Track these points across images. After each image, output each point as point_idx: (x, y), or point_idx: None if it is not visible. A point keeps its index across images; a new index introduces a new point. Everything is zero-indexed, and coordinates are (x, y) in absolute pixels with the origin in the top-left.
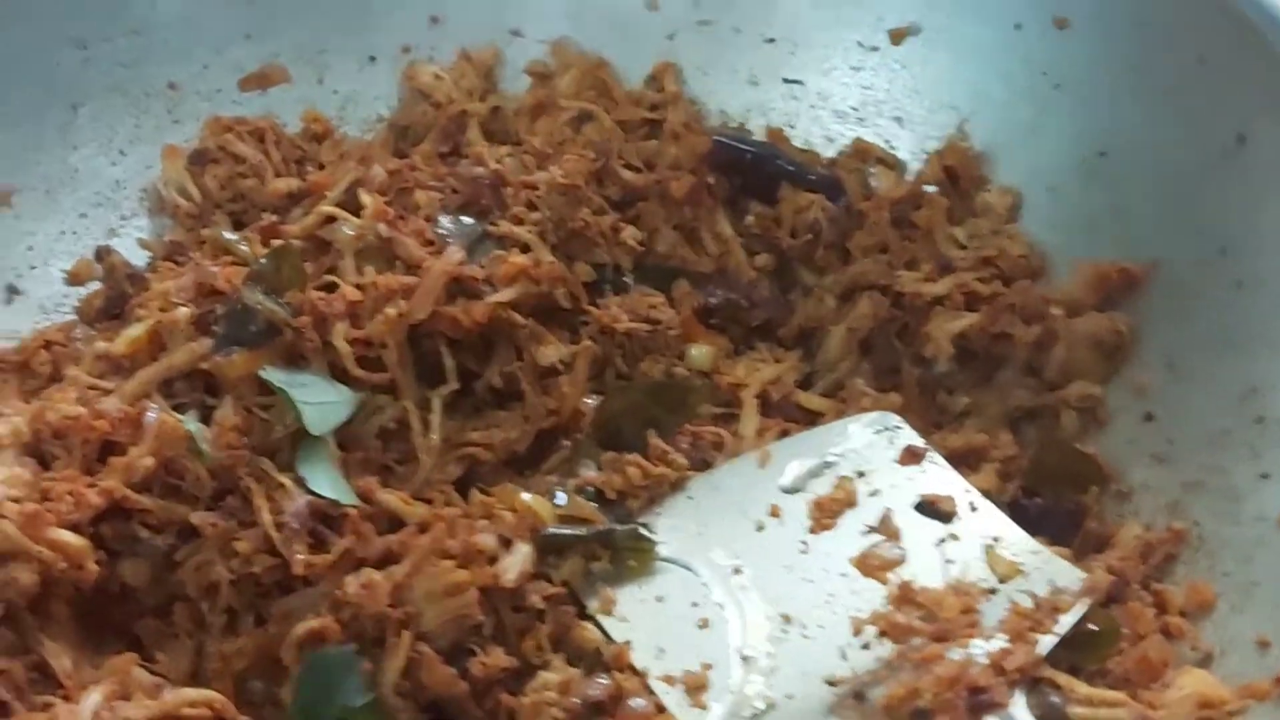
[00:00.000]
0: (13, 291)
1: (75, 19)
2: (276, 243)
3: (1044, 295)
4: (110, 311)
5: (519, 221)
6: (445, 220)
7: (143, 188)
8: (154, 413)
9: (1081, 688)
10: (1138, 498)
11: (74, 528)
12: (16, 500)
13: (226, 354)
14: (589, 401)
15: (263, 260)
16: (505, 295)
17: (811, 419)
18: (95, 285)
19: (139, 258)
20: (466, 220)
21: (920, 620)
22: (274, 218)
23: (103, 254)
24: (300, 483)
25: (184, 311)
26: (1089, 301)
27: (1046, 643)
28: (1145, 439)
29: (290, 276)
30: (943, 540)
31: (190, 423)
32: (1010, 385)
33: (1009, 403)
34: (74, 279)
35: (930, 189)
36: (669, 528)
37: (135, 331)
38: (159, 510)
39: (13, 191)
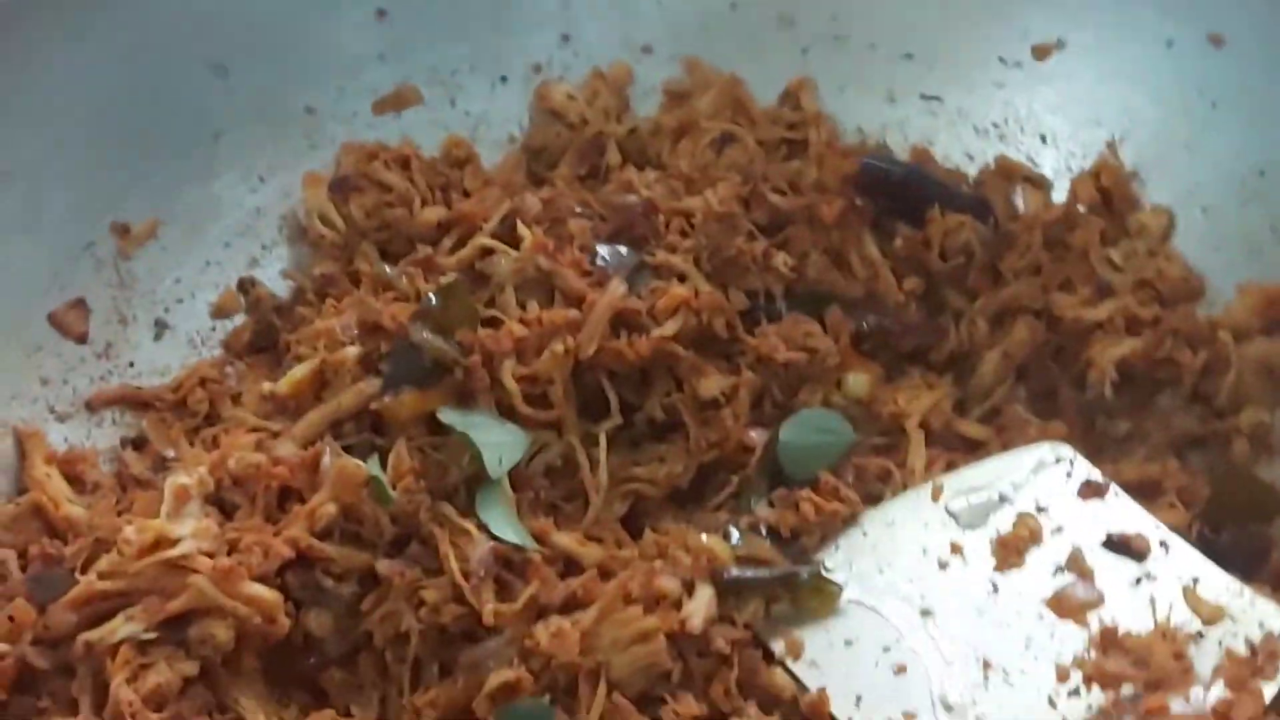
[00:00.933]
0: (161, 326)
1: (215, 45)
2: (444, 279)
3: (1210, 319)
4: (258, 345)
5: (673, 250)
6: (603, 250)
7: (282, 215)
8: (330, 457)
9: None
10: None
11: (262, 579)
12: (209, 554)
13: (395, 394)
14: (753, 435)
15: (431, 297)
16: (669, 329)
17: (972, 448)
18: (240, 317)
19: (281, 288)
20: (622, 250)
21: (1131, 667)
22: (427, 249)
23: (247, 286)
24: (482, 528)
25: (352, 351)
26: (1256, 326)
27: (1270, 690)
28: None
29: (460, 314)
30: (1139, 580)
31: (373, 466)
32: (1173, 411)
33: (1175, 429)
34: (219, 312)
35: (1082, 209)
36: (847, 566)
37: (300, 372)
38: (341, 558)
39: (158, 224)
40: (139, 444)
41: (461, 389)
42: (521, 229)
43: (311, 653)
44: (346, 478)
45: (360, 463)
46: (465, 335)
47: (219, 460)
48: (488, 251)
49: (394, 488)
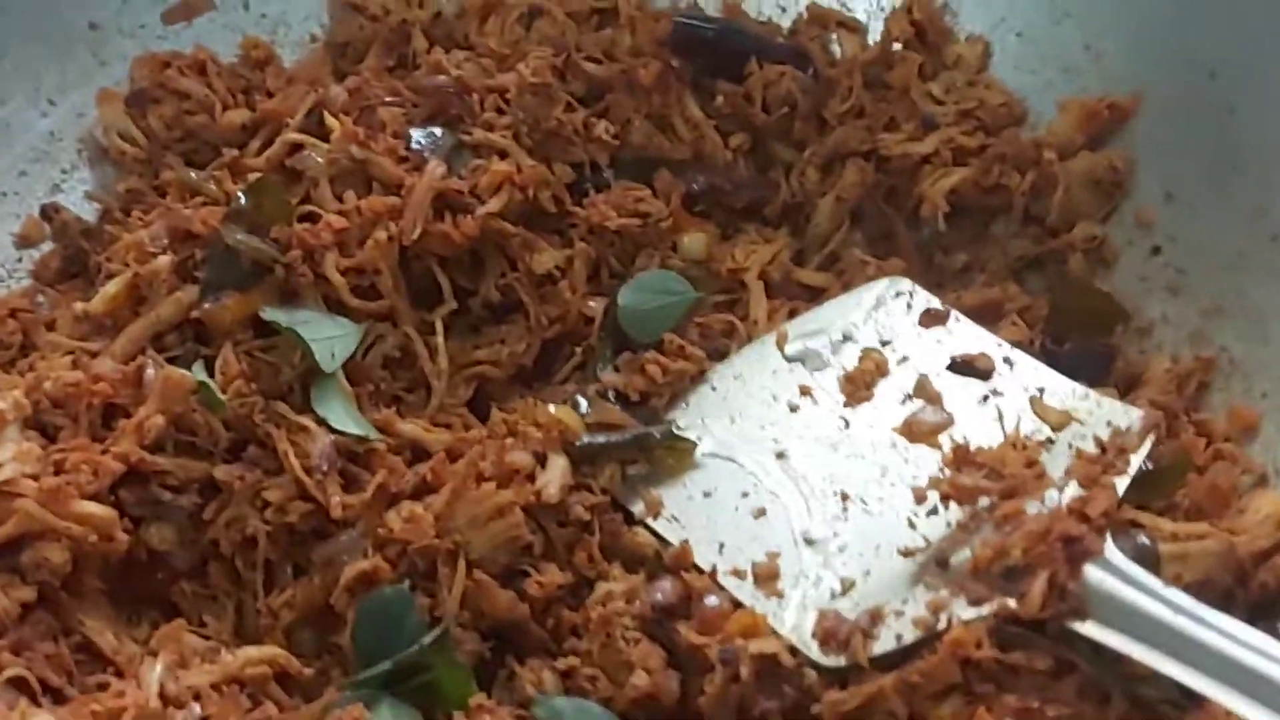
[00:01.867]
0: None
1: None
2: (251, 177)
3: (1035, 140)
4: (69, 271)
5: (491, 128)
6: (417, 134)
7: (79, 138)
8: (153, 368)
9: (1166, 524)
10: (1158, 332)
11: (94, 498)
12: (34, 476)
13: (216, 299)
14: (592, 304)
15: (241, 197)
16: (494, 205)
17: (814, 295)
18: (47, 246)
19: (87, 211)
20: (437, 132)
21: (985, 480)
22: (234, 152)
23: (50, 212)
24: (321, 422)
25: (164, 260)
26: (1080, 141)
27: (1122, 484)
28: (1156, 273)
29: (273, 211)
30: (986, 397)
31: (200, 373)
32: (1008, 236)
33: (1011, 254)
34: (24, 241)
35: (897, 47)
36: (699, 422)
37: (113, 288)
38: (177, 469)
39: None
40: None
41: (284, 287)
42: (330, 120)
43: (157, 568)
44: (173, 387)
45: (186, 371)
46: (281, 232)
47: (34, 383)
48: (297, 147)
49: (224, 393)
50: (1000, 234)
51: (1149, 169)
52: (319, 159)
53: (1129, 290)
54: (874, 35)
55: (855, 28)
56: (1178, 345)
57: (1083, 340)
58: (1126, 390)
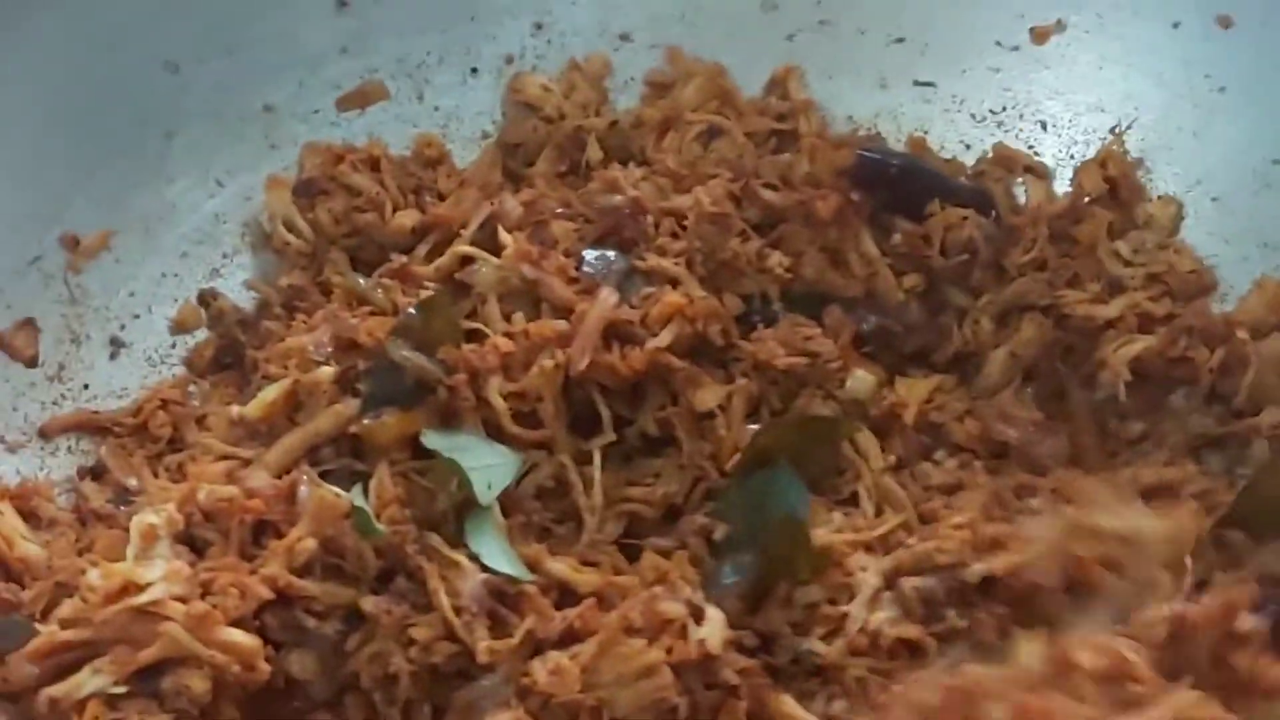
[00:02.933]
0: (117, 344)
1: (166, 40)
2: (423, 292)
3: (1225, 316)
4: (222, 362)
5: (664, 253)
6: (589, 255)
7: (243, 221)
8: (307, 487)
9: None
10: None
11: (239, 624)
12: (181, 599)
13: (376, 416)
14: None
15: (410, 311)
16: (665, 339)
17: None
18: (201, 333)
19: (245, 300)
20: (610, 254)
21: None
22: (402, 258)
23: (208, 298)
24: (473, 558)
25: (327, 371)
26: (1274, 322)
27: None
28: None
29: (442, 329)
30: None
31: (357, 497)
32: (1189, 411)
33: (1191, 430)
34: (179, 327)
35: (1087, 200)
36: None
37: (271, 393)
38: (324, 596)
39: (110, 235)
40: (98, 473)
41: (445, 409)
42: (503, 235)
43: (295, 697)
44: (326, 509)
45: (341, 492)
46: (448, 352)
47: (188, 494)
48: (467, 260)
49: (378, 518)
50: (1181, 408)
51: None
52: (490, 275)
53: None
54: (1060, 183)
55: (1043, 174)
56: None
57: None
58: None
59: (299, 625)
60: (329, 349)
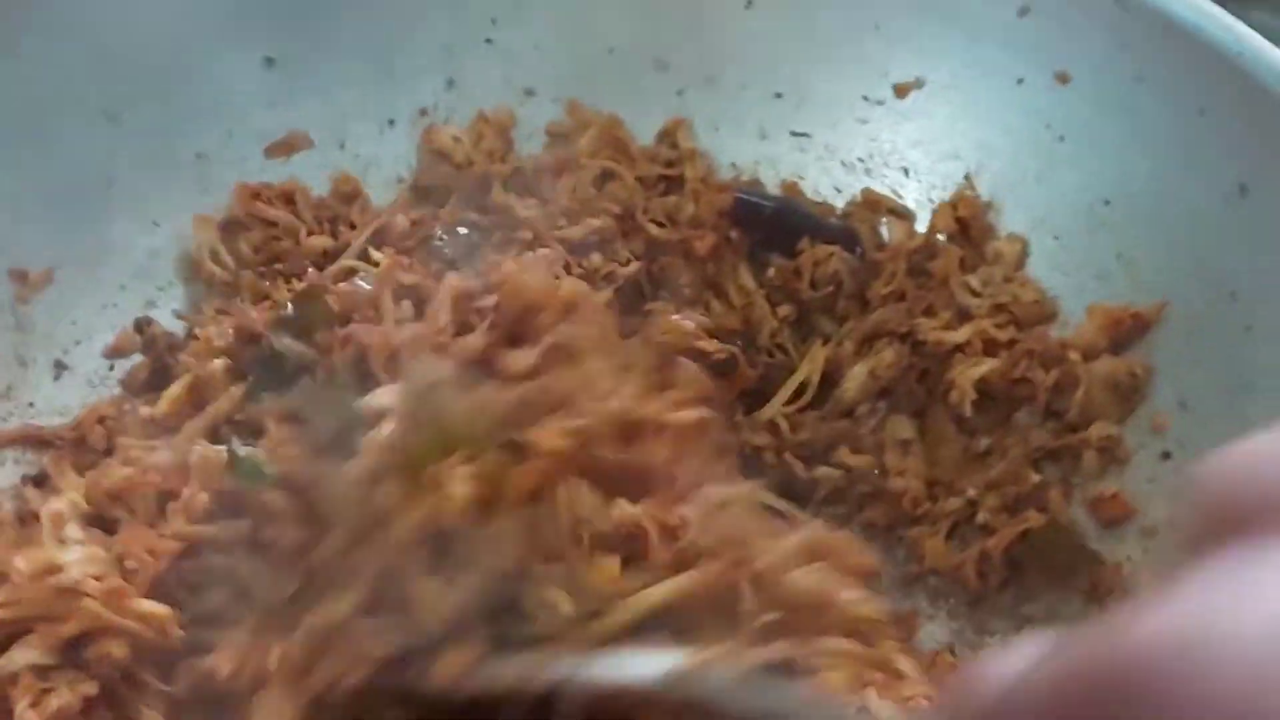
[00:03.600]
0: (60, 367)
1: (106, 93)
2: (299, 286)
3: (1061, 340)
4: (154, 383)
5: None
6: (439, 232)
7: (176, 258)
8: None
9: None
10: (1162, 534)
11: (155, 591)
12: (98, 577)
13: (256, 401)
14: None
15: (287, 305)
16: None
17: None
18: (137, 357)
19: (177, 327)
20: (462, 230)
21: None
22: (314, 273)
23: (143, 325)
24: None
25: (219, 363)
26: (1103, 345)
27: None
28: (1164, 476)
29: (317, 318)
30: None
31: (237, 448)
32: (1030, 427)
33: (1030, 444)
34: (116, 351)
35: (941, 238)
36: None
37: (175, 390)
38: (223, 532)
39: (54, 270)
40: (40, 481)
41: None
42: (374, 253)
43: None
44: (209, 463)
45: (220, 447)
46: (324, 335)
47: (94, 481)
48: (352, 271)
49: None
50: (1023, 424)
51: (1166, 377)
52: (366, 285)
53: (1138, 491)
54: (920, 223)
55: (905, 215)
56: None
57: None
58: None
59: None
60: (231, 339)
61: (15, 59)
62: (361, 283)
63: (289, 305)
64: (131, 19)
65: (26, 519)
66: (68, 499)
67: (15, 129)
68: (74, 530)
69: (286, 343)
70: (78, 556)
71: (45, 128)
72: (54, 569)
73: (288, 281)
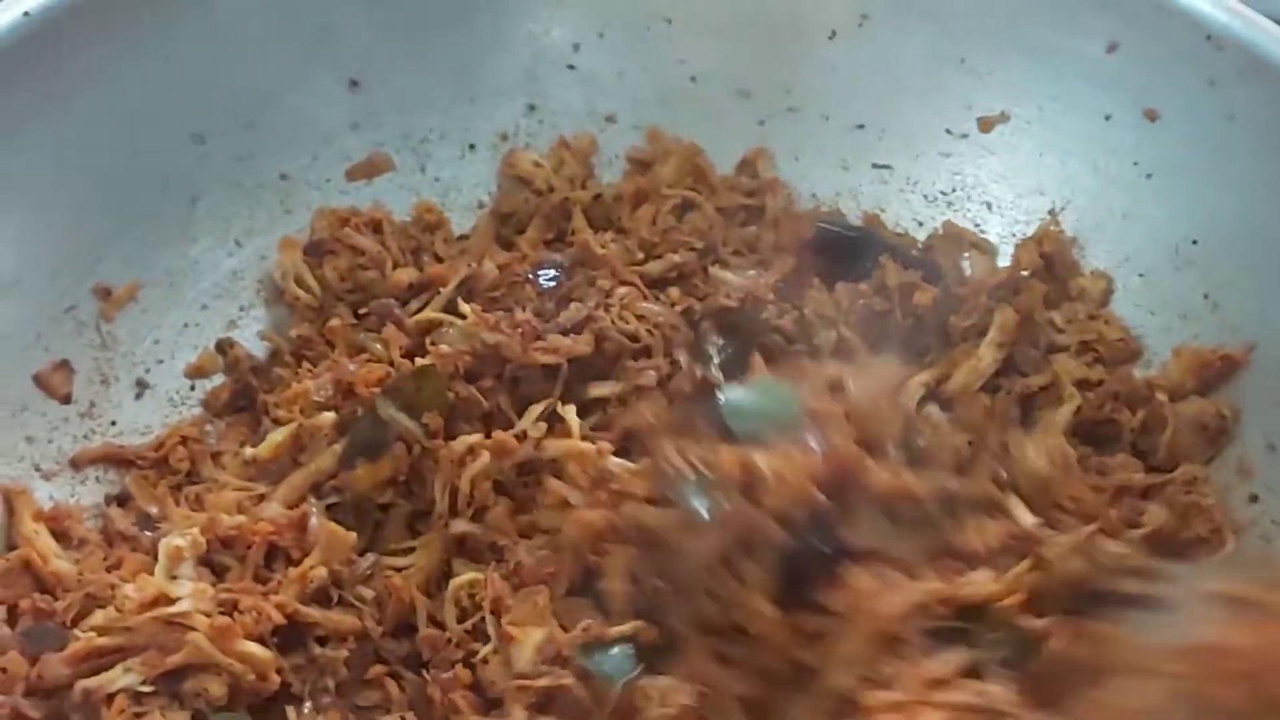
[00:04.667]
0: (142, 386)
1: (194, 115)
2: (419, 361)
3: (1148, 380)
4: (236, 404)
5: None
6: (543, 274)
7: (259, 279)
8: (316, 519)
9: None
10: None
11: (256, 639)
12: (205, 613)
13: (350, 466)
14: None
15: (406, 376)
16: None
17: None
18: (218, 377)
19: (258, 348)
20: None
21: None
22: (393, 303)
23: (225, 347)
24: None
25: (328, 416)
26: (1190, 386)
27: None
28: (1254, 519)
29: (430, 398)
30: None
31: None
32: (1115, 467)
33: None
34: (197, 372)
35: (1025, 274)
36: None
37: (279, 436)
38: (326, 622)
39: (138, 287)
40: (123, 500)
41: (413, 465)
42: (461, 305)
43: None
44: (336, 541)
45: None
46: (433, 419)
47: (209, 522)
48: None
49: None
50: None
51: (1254, 420)
52: (455, 337)
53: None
54: (1003, 259)
55: (986, 249)
56: None
57: None
58: None
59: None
60: (330, 392)
61: (107, 82)
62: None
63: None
64: (219, 44)
65: (113, 539)
66: (189, 538)
67: (105, 149)
68: (188, 570)
69: (393, 414)
70: (189, 591)
71: (134, 148)
72: (165, 600)
73: (379, 330)
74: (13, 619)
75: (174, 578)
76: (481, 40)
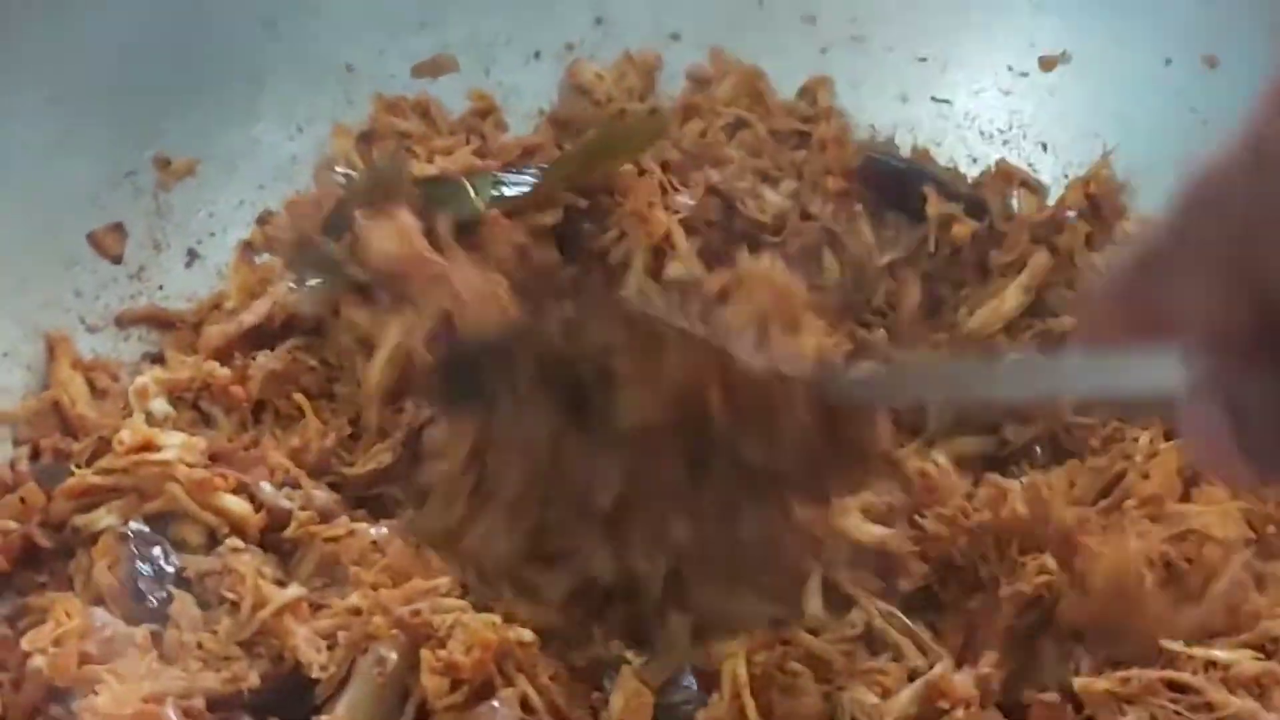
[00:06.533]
0: (193, 255)
1: (267, 2)
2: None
3: None
4: None
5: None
6: None
7: (315, 164)
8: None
9: None
10: None
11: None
12: (190, 464)
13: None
14: None
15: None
16: None
17: None
18: (267, 256)
19: None
20: None
21: None
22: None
23: (265, 218)
24: None
25: None
26: None
27: None
28: None
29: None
30: None
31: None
32: None
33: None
34: (248, 247)
35: (1071, 214)
36: None
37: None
38: None
39: (197, 162)
40: (157, 359)
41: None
42: None
43: None
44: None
45: None
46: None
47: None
48: None
49: None
50: None
51: None
52: None
53: None
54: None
55: (1036, 189)
56: None
57: None
58: None
59: None
60: None
61: None
62: None
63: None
64: None
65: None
66: (152, 375)
67: (176, 26)
68: (161, 405)
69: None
70: (178, 442)
71: (206, 28)
72: (153, 446)
73: None
74: (35, 456)
75: (149, 417)
76: None
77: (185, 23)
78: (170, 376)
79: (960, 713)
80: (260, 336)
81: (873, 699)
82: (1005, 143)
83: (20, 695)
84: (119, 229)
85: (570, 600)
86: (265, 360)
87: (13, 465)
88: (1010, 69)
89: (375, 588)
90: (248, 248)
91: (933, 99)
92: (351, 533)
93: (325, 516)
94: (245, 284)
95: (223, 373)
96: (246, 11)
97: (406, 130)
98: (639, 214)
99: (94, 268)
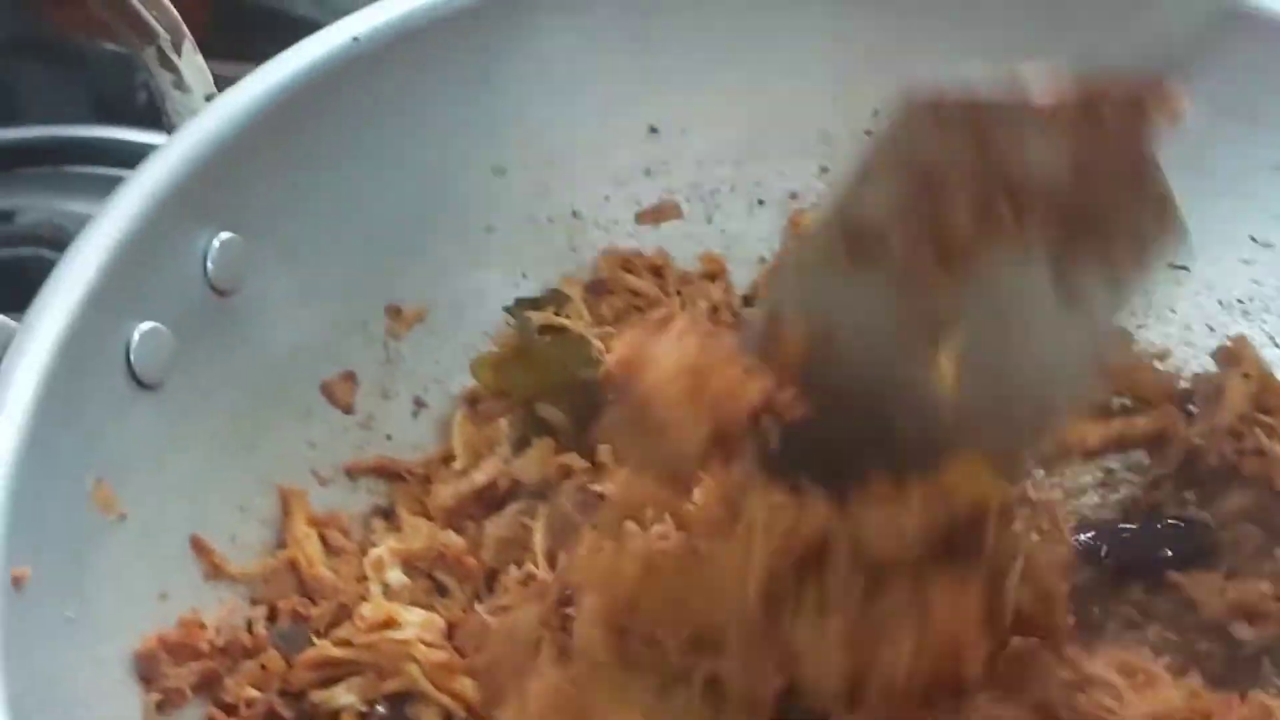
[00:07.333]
0: (419, 404)
1: (496, 149)
2: None
3: None
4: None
5: None
6: None
7: None
8: None
9: None
10: None
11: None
12: (429, 643)
13: None
14: None
15: None
16: None
17: None
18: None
19: None
20: None
21: None
22: None
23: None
24: None
25: None
26: None
27: None
28: None
29: None
30: None
31: None
32: None
33: None
34: (472, 396)
35: None
36: None
37: None
38: None
39: (426, 310)
40: (388, 514)
41: None
42: None
43: None
44: None
45: None
46: None
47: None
48: None
49: None
50: None
51: None
52: None
53: None
54: None
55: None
56: None
57: None
58: None
59: None
60: None
61: (420, 109)
62: None
63: None
64: (532, 80)
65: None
66: (386, 547)
67: (413, 178)
68: (397, 575)
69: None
70: (416, 620)
71: (441, 177)
72: (394, 623)
73: None
74: (273, 618)
75: (386, 589)
76: (779, 98)
77: (417, 171)
78: (405, 547)
79: None
80: (490, 497)
81: None
82: (1245, 313)
83: None
84: (351, 377)
85: None
86: (494, 529)
87: (249, 627)
88: (1254, 239)
89: None
90: (471, 400)
91: (1169, 265)
92: None
93: None
94: (470, 442)
95: (456, 542)
96: (478, 158)
97: (636, 289)
98: None
99: (326, 417)
